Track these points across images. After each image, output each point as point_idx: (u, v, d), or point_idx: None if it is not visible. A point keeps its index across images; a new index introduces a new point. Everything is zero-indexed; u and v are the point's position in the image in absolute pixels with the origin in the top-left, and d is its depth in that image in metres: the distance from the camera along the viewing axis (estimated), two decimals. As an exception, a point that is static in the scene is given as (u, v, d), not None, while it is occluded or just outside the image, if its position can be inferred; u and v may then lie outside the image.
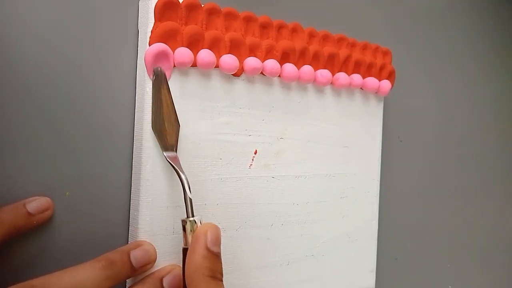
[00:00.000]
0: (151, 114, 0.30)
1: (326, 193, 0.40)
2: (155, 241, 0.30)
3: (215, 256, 0.27)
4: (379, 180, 0.44)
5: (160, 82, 0.30)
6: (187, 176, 0.29)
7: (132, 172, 0.32)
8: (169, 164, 0.29)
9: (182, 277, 0.28)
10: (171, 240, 0.31)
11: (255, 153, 0.35)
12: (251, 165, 0.35)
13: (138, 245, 0.29)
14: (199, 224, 0.28)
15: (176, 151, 0.30)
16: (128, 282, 0.30)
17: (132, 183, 0.32)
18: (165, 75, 0.30)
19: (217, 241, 0.27)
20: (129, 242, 0.31)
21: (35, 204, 0.28)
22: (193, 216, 0.28)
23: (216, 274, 0.26)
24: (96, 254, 0.27)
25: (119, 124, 0.31)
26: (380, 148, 0.44)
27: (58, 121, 0.29)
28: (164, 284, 0.29)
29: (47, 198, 0.29)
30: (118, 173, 0.31)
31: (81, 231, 0.30)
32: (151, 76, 0.30)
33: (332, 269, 0.40)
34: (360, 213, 0.43)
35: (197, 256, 0.26)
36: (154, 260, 0.29)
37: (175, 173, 0.29)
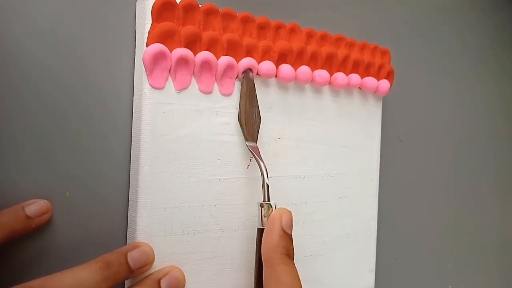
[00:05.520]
0: (238, 107, 0.34)
1: (325, 193, 0.40)
2: (153, 243, 0.30)
3: (289, 237, 0.30)
4: (378, 180, 0.44)
5: (248, 81, 0.34)
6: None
7: (130, 173, 0.32)
8: (249, 152, 0.34)
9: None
10: (169, 241, 0.31)
11: (254, 153, 0.35)
12: (249, 165, 0.35)
13: (136, 246, 0.29)
14: (274, 208, 0.32)
15: (256, 142, 0.34)
16: (127, 283, 0.30)
17: (130, 184, 0.32)
18: (252, 75, 0.34)
19: (291, 224, 0.31)
20: (127, 243, 0.31)
21: (33, 207, 0.28)
22: (269, 200, 0.32)
23: (290, 253, 0.30)
24: (95, 255, 0.27)
25: (117, 125, 0.31)
26: (379, 148, 0.44)
27: (56, 122, 0.29)
28: (162, 286, 0.29)
29: (45, 201, 0.29)
30: (117, 174, 0.31)
31: (80, 232, 0.30)
32: (241, 75, 0.34)
33: (331, 269, 0.40)
34: (359, 213, 0.43)
35: (274, 236, 0.29)
36: (152, 262, 0.29)
37: (255, 161, 0.33)
